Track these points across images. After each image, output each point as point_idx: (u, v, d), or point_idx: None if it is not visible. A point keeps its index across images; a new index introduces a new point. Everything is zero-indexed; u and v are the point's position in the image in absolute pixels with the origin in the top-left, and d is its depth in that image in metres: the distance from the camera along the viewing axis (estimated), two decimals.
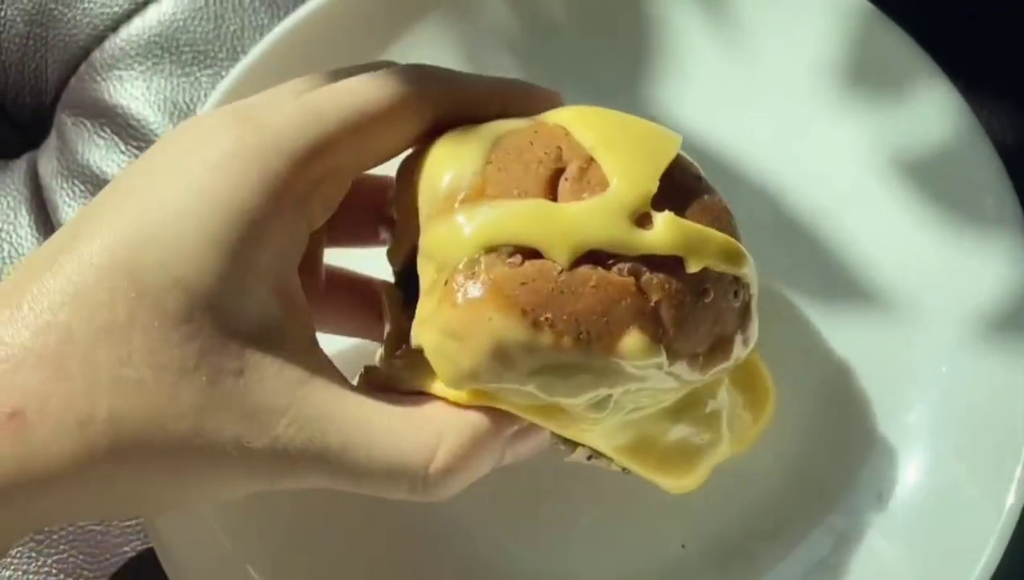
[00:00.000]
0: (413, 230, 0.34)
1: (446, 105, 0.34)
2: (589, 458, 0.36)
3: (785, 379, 0.40)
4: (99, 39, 0.47)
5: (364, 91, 0.33)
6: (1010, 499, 0.38)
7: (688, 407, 0.36)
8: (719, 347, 0.34)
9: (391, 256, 0.36)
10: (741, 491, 0.40)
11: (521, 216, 0.32)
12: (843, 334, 0.41)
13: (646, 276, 0.32)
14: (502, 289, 0.31)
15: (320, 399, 0.31)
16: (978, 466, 0.39)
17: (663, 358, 0.32)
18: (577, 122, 0.34)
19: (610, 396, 0.33)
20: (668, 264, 0.32)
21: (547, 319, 0.31)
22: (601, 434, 0.35)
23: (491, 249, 0.31)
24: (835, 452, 0.40)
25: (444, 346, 0.32)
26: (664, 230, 0.32)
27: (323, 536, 0.40)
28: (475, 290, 0.31)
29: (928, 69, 0.41)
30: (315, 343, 0.33)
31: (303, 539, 0.40)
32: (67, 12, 0.47)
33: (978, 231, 0.40)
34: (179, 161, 0.31)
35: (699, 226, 0.33)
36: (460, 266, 0.32)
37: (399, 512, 0.39)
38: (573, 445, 0.36)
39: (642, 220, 0.32)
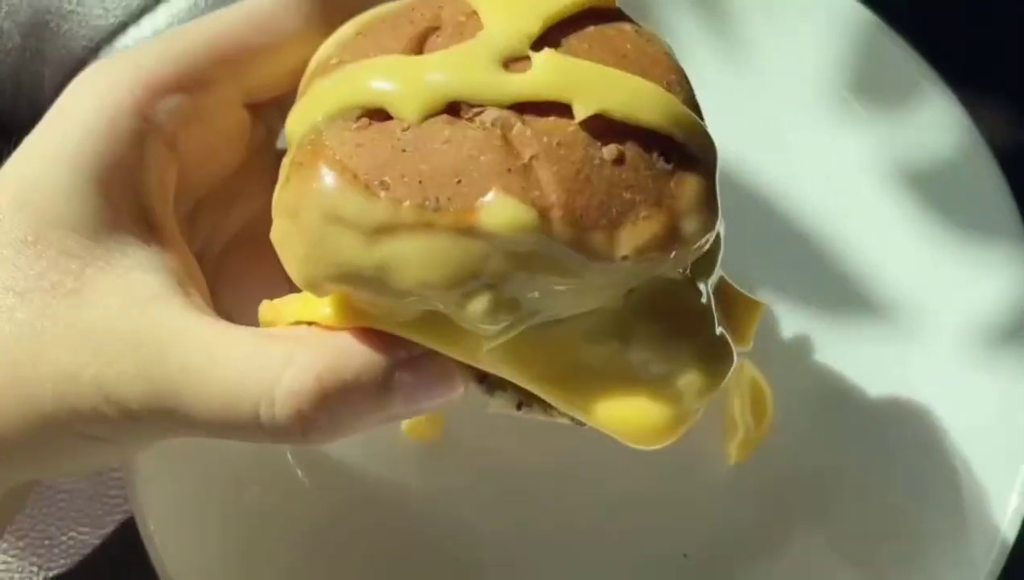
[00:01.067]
0: None
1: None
2: (519, 406, 0.31)
3: (784, 388, 0.40)
4: (95, 51, 0.47)
5: (231, 18, 0.32)
6: (1010, 513, 0.38)
7: (636, 321, 0.29)
8: (646, 225, 0.26)
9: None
10: (742, 500, 0.40)
11: (367, 73, 0.27)
12: (843, 344, 0.41)
13: (518, 127, 0.26)
14: (334, 153, 0.26)
15: (162, 322, 0.28)
16: (978, 479, 0.39)
17: (539, 228, 0.25)
18: None
19: (497, 293, 0.26)
20: (551, 112, 0.26)
21: (383, 183, 0.25)
22: (514, 359, 0.28)
23: (335, 116, 0.27)
24: (835, 463, 0.40)
25: (283, 230, 0.28)
26: (540, 68, 0.26)
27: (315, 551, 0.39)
28: (308, 159, 0.27)
29: (930, 79, 0.41)
30: (181, 276, 0.30)
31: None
32: (63, 24, 0.47)
33: (978, 243, 0.40)
34: (59, 104, 0.32)
35: (590, 63, 0.27)
36: (302, 138, 0.28)
37: (396, 520, 0.39)
38: (492, 387, 0.30)
39: (515, 61, 0.27)
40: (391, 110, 0.26)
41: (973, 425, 0.39)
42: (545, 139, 0.26)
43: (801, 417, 0.40)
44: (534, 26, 0.27)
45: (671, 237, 0.26)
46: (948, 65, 0.42)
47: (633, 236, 0.26)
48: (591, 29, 0.28)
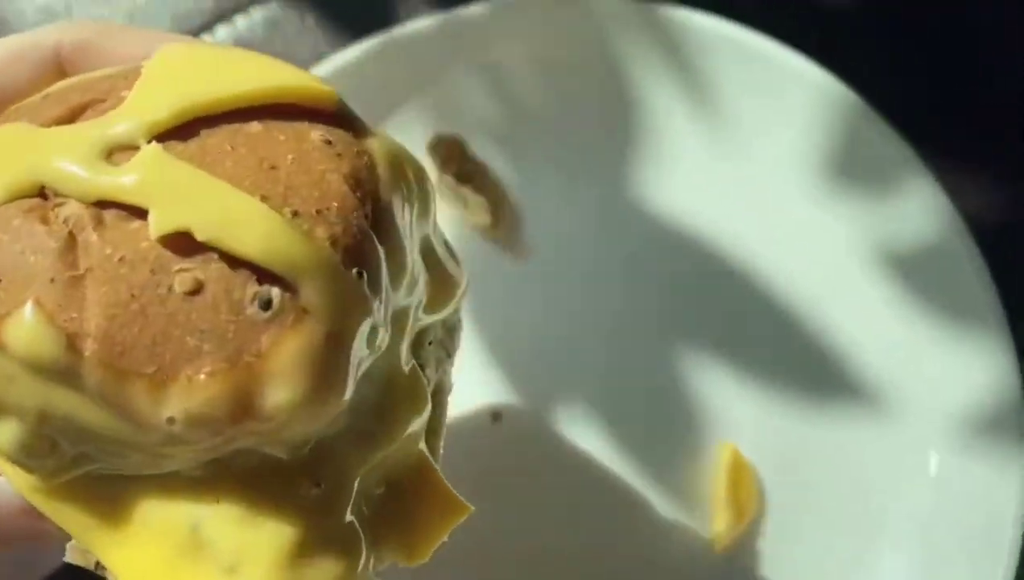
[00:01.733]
0: None
1: None
2: (95, 566, 0.25)
3: (771, 476, 0.39)
4: None
5: None
6: None
7: (217, 498, 0.23)
8: (205, 384, 0.21)
9: None
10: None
11: None
12: (828, 429, 0.40)
13: (89, 230, 0.21)
14: None
15: None
16: (963, 568, 0.38)
17: (63, 361, 0.20)
18: (157, 58, 0.24)
19: (29, 427, 0.21)
20: (138, 220, 0.21)
21: None
22: (59, 507, 0.23)
23: None
24: (822, 549, 0.40)
25: None
26: (133, 164, 0.21)
27: None
28: None
29: (911, 163, 0.40)
30: None
31: None
32: None
33: (960, 332, 0.40)
34: None
35: (192, 168, 0.21)
36: None
37: None
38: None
39: (122, 153, 0.22)
40: None
41: (958, 518, 0.39)
42: (109, 250, 0.21)
43: (787, 505, 0.40)
44: (163, 112, 0.22)
45: (239, 406, 0.21)
46: (930, 142, 0.41)
47: (185, 395, 0.20)
48: (256, 129, 0.23)
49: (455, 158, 0.44)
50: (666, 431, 0.41)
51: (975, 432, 0.39)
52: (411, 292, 0.25)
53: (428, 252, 0.27)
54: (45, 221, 0.21)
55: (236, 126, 0.22)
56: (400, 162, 0.25)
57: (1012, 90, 0.45)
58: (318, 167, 0.22)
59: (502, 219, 0.43)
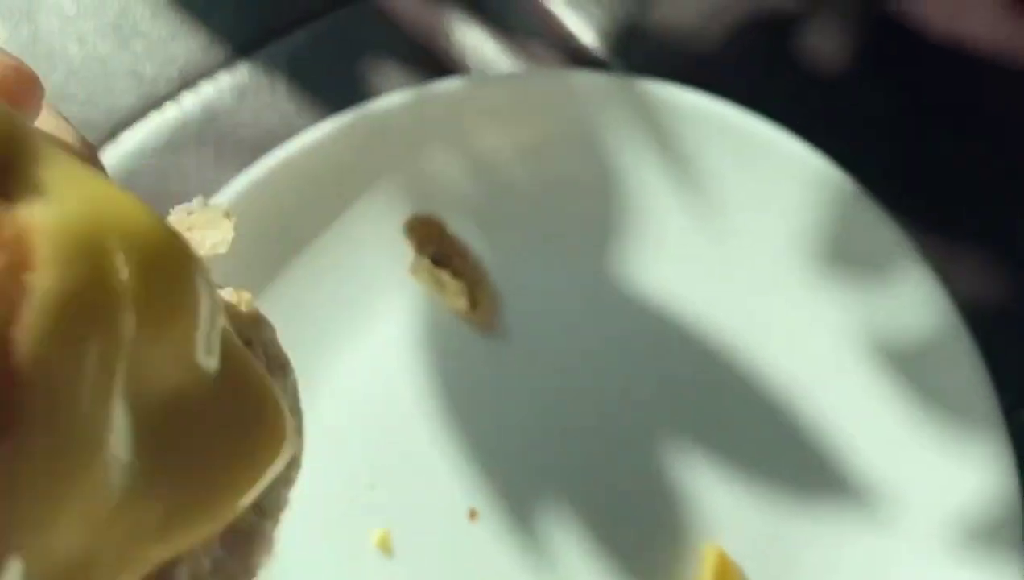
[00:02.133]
0: None
1: None
2: None
3: (756, 575, 0.38)
4: None
5: None
6: None
7: None
8: None
9: None
10: None
11: None
12: (817, 528, 0.39)
13: None
14: None
15: None
16: None
17: None
18: None
19: None
20: None
21: None
22: None
23: None
24: None
25: None
26: None
27: None
28: None
29: (906, 252, 0.39)
30: None
31: None
32: None
33: (955, 430, 0.38)
34: None
35: None
36: None
37: None
38: None
39: None
40: None
41: None
42: None
43: None
44: None
45: None
46: (925, 226, 0.40)
47: None
48: None
49: (432, 239, 0.42)
50: (650, 529, 0.39)
51: (970, 537, 0.37)
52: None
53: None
54: None
55: None
56: (96, 248, 0.15)
57: (1009, 169, 0.43)
58: None
59: (480, 303, 0.41)
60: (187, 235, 0.21)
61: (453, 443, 0.40)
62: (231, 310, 0.21)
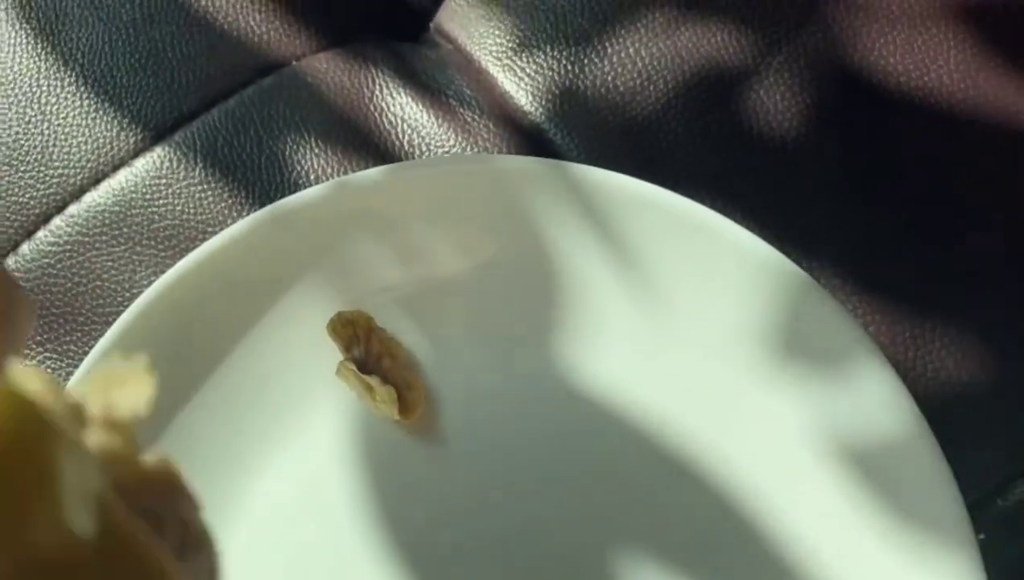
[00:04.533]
0: None
1: None
2: None
3: None
4: None
5: None
6: None
7: None
8: None
9: None
10: None
11: None
12: None
13: None
14: None
15: None
16: None
17: None
18: None
19: None
20: None
21: None
22: None
23: None
24: None
25: None
26: None
27: None
28: None
29: (865, 348, 0.36)
30: None
31: None
32: None
33: (920, 537, 0.35)
34: None
35: None
36: None
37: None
38: None
39: None
40: None
41: None
42: None
43: None
44: None
45: None
46: (884, 315, 0.37)
47: None
48: None
49: (360, 338, 0.40)
50: None
51: None
52: None
53: None
54: None
55: None
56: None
57: (981, 247, 0.40)
58: None
59: (412, 407, 0.39)
60: (105, 394, 0.20)
61: (387, 555, 0.38)
62: (140, 483, 0.20)
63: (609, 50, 0.43)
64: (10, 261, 0.42)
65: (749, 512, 0.37)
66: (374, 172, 0.39)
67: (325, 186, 0.39)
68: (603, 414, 0.39)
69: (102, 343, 0.38)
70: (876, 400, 0.36)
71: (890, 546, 0.36)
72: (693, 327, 0.38)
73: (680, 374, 0.38)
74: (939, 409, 0.37)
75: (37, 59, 0.44)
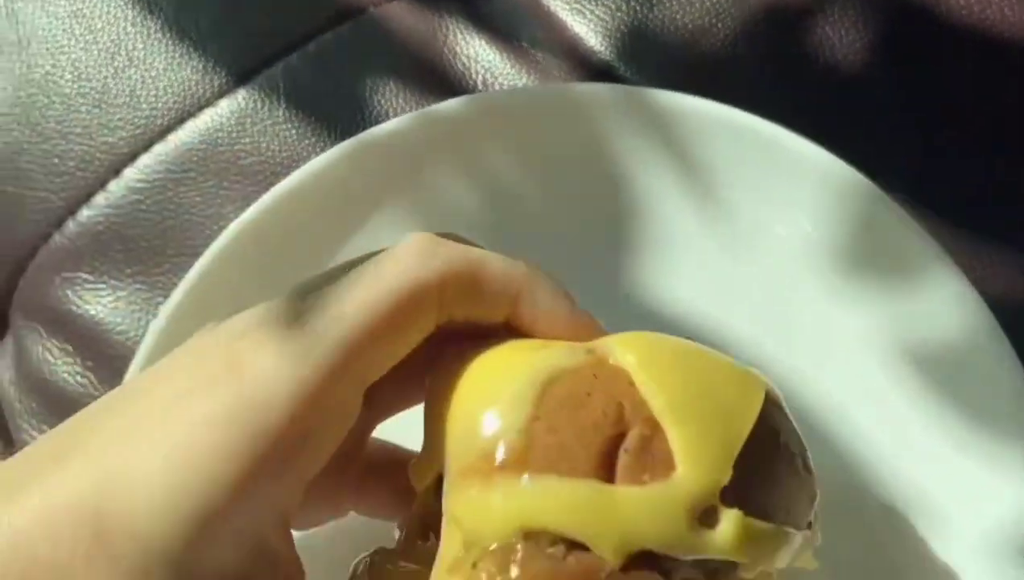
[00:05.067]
0: (439, 458, 0.30)
1: (462, 292, 0.31)
2: None
3: None
4: (43, 237, 0.44)
5: (363, 309, 0.29)
6: None
7: None
8: None
9: (415, 472, 0.31)
10: None
11: (569, 502, 0.27)
12: (847, 546, 0.37)
13: None
14: None
15: None
16: None
17: None
18: (645, 370, 0.29)
19: None
20: (725, 567, 0.27)
21: None
22: None
23: (530, 535, 0.27)
24: None
25: None
26: (730, 534, 0.27)
27: None
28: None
29: (935, 255, 0.37)
30: None
31: None
32: (9, 208, 0.44)
33: (994, 440, 0.36)
34: (166, 410, 0.29)
35: (768, 528, 0.28)
36: (492, 549, 0.27)
37: None
38: None
39: (706, 515, 0.27)
40: (592, 548, 0.26)
41: None
42: None
43: None
44: (726, 476, 0.27)
45: None
46: (951, 227, 0.39)
47: None
48: (754, 462, 0.28)
49: None
50: None
51: (1011, 551, 0.36)
52: None
53: None
54: None
55: (750, 460, 0.28)
56: None
57: None
58: (810, 482, 0.30)
59: None
60: None
61: None
62: None
63: None
64: (99, 198, 0.44)
65: (822, 419, 0.38)
66: (455, 101, 0.40)
67: (407, 116, 0.40)
68: (676, 333, 0.40)
69: (191, 275, 0.40)
70: (946, 304, 0.37)
71: (960, 446, 0.37)
72: (764, 244, 0.39)
73: (752, 292, 0.39)
74: (1007, 319, 0.38)
75: (125, 8, 0.46)
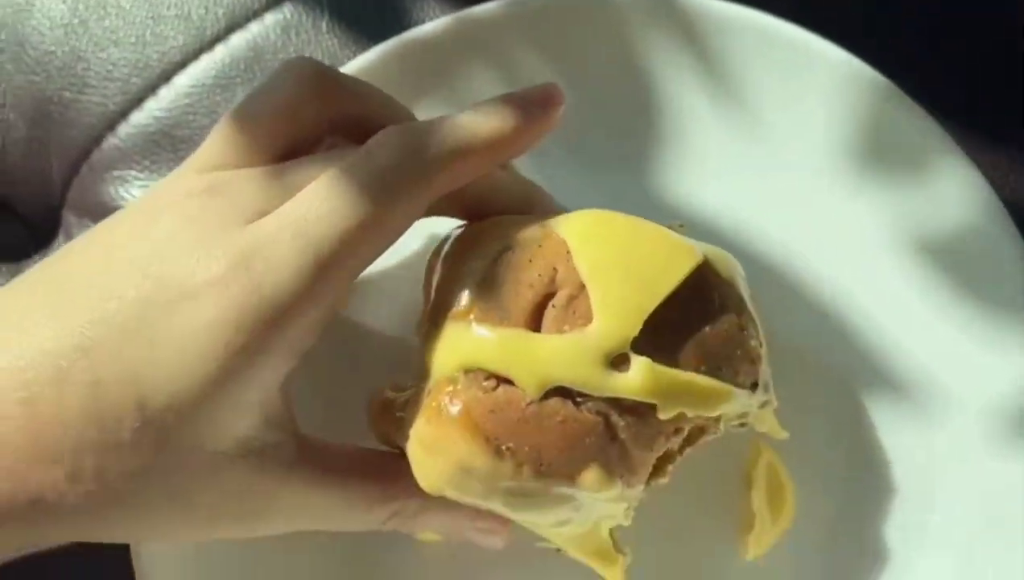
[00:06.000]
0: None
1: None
2: (558, 551, 0.37)
3: (804, 478, 0.38)
4: (97, 139, 0.46)
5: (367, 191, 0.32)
6: None
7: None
8: (664, 466, 0.34)
9: (417, 330, 0.36)
10: None
11: (497, 345, 0.33)
12: (864, 429, 0.39)
13: (614, 417, 0.32)
14: (471, 413, 0.32)
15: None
16: (1005, 570, 0.37)
17: (620, 490, 0.33)
18: (580, 240, 0.34)
19: (572, 518, 0.34)
20: (640, 407, 0.32)
21: (509, 449, 0.32)
22: (566, 540, 0.36)
23: (469, 371, 0.33)
24: (857, 557, 0.38)
25: (418, 455, 0.34)
26: (637, 378, 0.32)
27: None
28: (447, 410, 0.33)
29: (946, 147, 0.39)
30: (298, 453, 0.34)
31: None
32: (65, 112, 0.47)
33: (1002, 322, 0.38)
34: (174, 304, 0.31)
35: (677, 374, 0.32)
36: (440, 382, 0.33)
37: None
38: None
39: (618, 362, 0.32)
40: (516, 383, 0.32)
41: (999, 514, 0.37)
42: (634, 429, 0.32)
43: (823, 509, 0.39)
44: (635, 329, 0.32)
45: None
46: (966, 128, 0.40)
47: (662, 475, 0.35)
48: (676, 318, 0.33)
49: None
50: None
51: (1013, 430, 0.37)
52: None
53: None
54: (579, 411, 0.32)
55: (671, 314, 0.33)
56: None
57: None
58: (725, 335, 0.33)
59: None
60: None
61: None
62: None
63: None
64: (151, 103, 0.46)
65: (835, 308, 0.40)
66: (491, 5, 0.42)
67: (444, 19, 0.42)
68: (700, 232, 0.41)
69: None
70: (958, 195, 0.39)
71: (969, 332, 0.39)
72: (783, 142, 0.41)
73: (770, 188, 0.41)
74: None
75: None
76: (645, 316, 0.32)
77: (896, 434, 0.39)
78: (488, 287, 0.34)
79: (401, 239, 0.34)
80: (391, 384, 0.37)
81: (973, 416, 0.38)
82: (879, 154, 0.40)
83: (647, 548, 0.38)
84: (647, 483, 0.34)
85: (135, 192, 0.46)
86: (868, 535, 0.38)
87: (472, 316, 0.33)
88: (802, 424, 0.38)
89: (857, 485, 0.39)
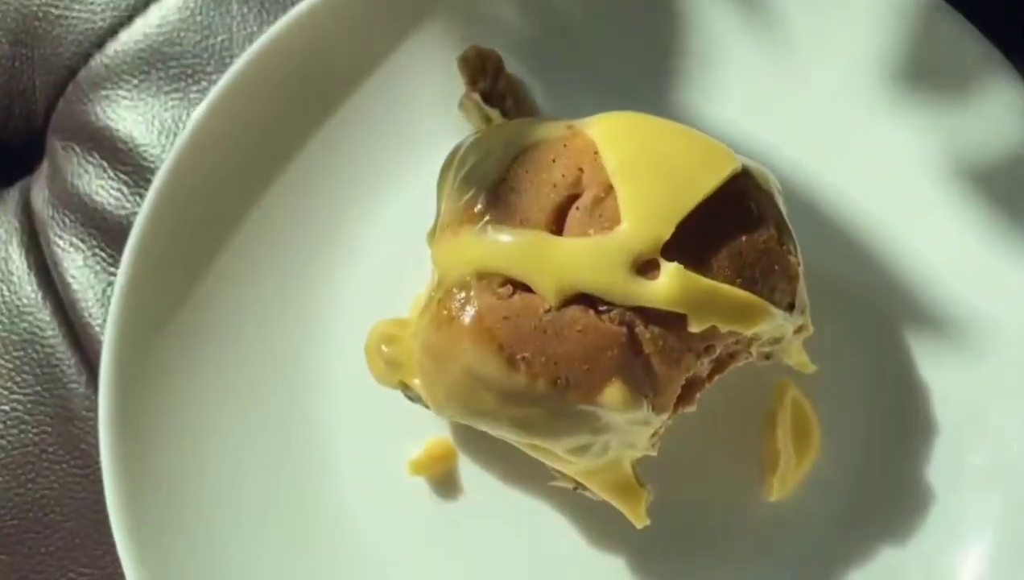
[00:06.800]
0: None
1: None
2: (575, 488, 0.34)
3: (833, 417, 0.36)
4: (84, 57, 0.44)
5: None
6: None
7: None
8: (692, 393, 0.32)
9: (430, 236, 0.34)
10: (782, 540, 0.36)
11: (514, 248, 0.30)
12: (900, 365, 0.36)
13: (640, 328, 0.30)
14: (484, 320, 0.30)
15: None
16: None
17: (646, 412, 0.30)
18: (609, 139, 0.31)
19: (592, 443, 0.31)
20: (669, 318, 0.30)
21: (524, 358, 0.30)
22: (584, 473, 0.33)
23: (483, 276, 0.30)
24: (888, 497, 0.36)
25: (427, 367, 0.31)
26: (666, 285, 0.29)
27: None
28: (458, 317, 0.30)
29: (996, 63, 0.36)
30: None
31: None
32: (51, 30, 0.44)
33: None
34: None
35: (710, 283, 0.30)
36: (451, 287, 0.31)
37: None
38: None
39: (646, 267, 0.30)
40: (534, 289, 0.30)
41: None
42: (661, 342, 0.30)
43: (851, 449, 0.36)
44: (667, 232, 0.30)
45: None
46: (1014, 41, 0.37)
47: (687, 404, 0.32)
48: (712, 225, 0.30)
49: (487, 74, 0.40)
50: None
51: None
52: None
53: None
54: (600, 320, 0.30)
55: (705, 224, 0.30)
56: None
57: None
58: (761, 248, 0.31)
59: None
60: None
61: None
62: None
63: None
64: (139, 21, 0.44)
65: (876, 240, 0.37)
66: None
67: None
68: None
69: (223, 81, 0.39)
70: (1006, 116, 0.36)
71: (1014, 265, 0.36)
72: (817, 63, 0.38)
73: (805, 113, 0.38)
74: None
75: None
76: (678, 219, 0.30)
77: (932, 368, 0.36)
78: (505, 189, 0.31)
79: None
80: (391, 320, 0.35)
81: (1018, 348, 0.35)
82: (920, 72, 0.37)
83: (666, 490, 0.35)
84: (674, 410, 0.31)
85: (123, 112, 0.43)
86: (900, 477, 0.36)
87: (487, 218, 0.31)
88: (830, 358, 0.36)
89: (889, 424, 0.36)
